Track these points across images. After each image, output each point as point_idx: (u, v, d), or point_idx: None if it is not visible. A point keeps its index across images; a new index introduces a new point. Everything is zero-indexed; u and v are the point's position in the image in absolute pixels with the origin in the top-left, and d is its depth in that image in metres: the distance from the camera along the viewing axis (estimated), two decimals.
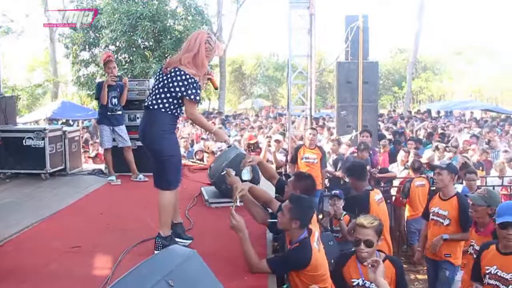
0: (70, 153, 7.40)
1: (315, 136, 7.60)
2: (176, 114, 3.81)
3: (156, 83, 3.83)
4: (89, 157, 9.66)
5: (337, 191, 5.52)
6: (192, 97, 3.69)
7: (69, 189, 6.42)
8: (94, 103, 20.74)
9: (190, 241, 4.17)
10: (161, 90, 3.75)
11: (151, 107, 3.77)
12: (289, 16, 9.06)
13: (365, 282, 3.34)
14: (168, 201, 3.87)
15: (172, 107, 3.75)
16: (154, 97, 3.78)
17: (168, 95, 3.72)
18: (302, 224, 3.45)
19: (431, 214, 5.10)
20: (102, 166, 7.72)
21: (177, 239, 4.04)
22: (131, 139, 6.92)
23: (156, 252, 3.74)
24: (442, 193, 5.06)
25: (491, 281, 3.35)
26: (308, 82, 9.39)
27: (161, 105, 3.73)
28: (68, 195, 5.98)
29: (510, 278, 3.26)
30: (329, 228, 5.43)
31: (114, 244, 4.17)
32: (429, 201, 5.29)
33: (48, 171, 6.86)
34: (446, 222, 4.88)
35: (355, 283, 3.41)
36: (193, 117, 3.87)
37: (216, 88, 4.60)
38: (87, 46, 19.10)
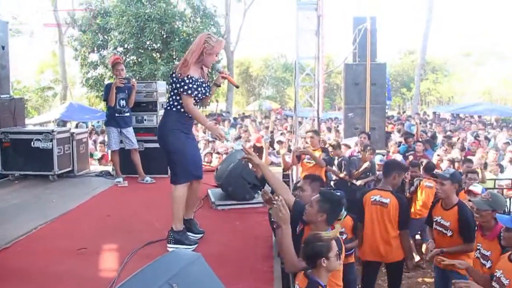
0: (78, 155, 7.44)
1: (313, 138, 7.56)
2: (182, 111, 4.09)
3: (169, 87, 4.25)
4: (94, 158, 9.71)
5: (338, 193, 5.46)
6: (185, 92, 3.99)
7: (77, 190, 6.46)
8: (103, 105, 20.87)
9: (201, 235, 4.38)
10: (171, 92, 4.14)
11: (166, 107, 4.19)
12: (297, 18, 9.03)
13: None
14: (177, 195, 4.12)
15: (178, 103, 4.09)
16: (167, 99, 4.21)
17: (172, 93, 4.12)
18: (328, 218, 3.43)
19: (434, 223, 4.86)
20: (109, 168, 7.75)
21: (188, 233, 4.24)
22: (138, 141, 6.95)
23: (168, 245, 4.05)
24: (444, 202, 4.79)
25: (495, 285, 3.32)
26: (315, 84, 9.36)
27: (169, 104, 4.13)
28: (76, 197, 6.02)
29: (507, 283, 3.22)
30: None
31: (120, 246, 4.19)
32: (432, 208, 5.15)
33: (56, 173, 6.90)
34: (449, 233, 4.62)
35: None
36: (188, 110, 4.09)
37: (237, 86, 5.10)
38: (95, 48, 19.20)
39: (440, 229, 4.75)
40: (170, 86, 4.13)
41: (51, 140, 6.85)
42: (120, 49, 18.57)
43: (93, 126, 17.21)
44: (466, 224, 4.51)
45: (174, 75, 4.05)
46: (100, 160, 9.59)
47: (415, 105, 26.36)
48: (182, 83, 3.98)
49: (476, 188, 5.25)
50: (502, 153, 10.45)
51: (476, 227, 4.55)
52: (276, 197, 3.61)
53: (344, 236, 5.23)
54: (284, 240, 3.40)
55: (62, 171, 7.06)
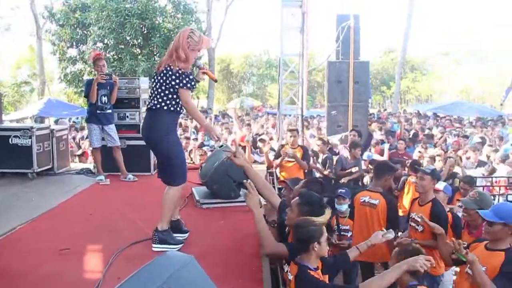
0: (58, 152, 7.26)
1: (295, 137, 7.55)
2: (176, 110, 3.95)
3: (153, 85, 3.99)
4: (75, 155, 9.50)
5: (343, 190, 5.41)
6: (184, 86, 3.85)
7: (57, 189, 6.29)
8: (82, 101, 20.55)
9: (187, 234, 4.29)
10: (158, 89, 3.92)
11: (153, 107, 3.94)
12: (281, 15, 8.99)
13: None
14: (171, 196, 4.03)
15: (173, 102, 3.91)
16: (153, 98, 3.95)
17: (166, 92, 3.90)
18: None
19: (410, 219, 4.89)
20: (90, 165, 7.60)
21: (174, 234, 4.15)
22: (120, 138, 6.82)
23: (153, 245, 3.99)
24: (420, 199, 4.84)
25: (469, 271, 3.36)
26: (300, 81, 9.34)
27: (162, 103, 3.90)
28: (56, 195, 5.86)
29: None
30: (336, 226, 5.34)
31: (104, 246, 4.08)
32: (411, 206, 5.11)
33: (35, 171, 6.72)
34: (420, 228, 4.63)
35: None
36: (188, 106, 3.99)
37: (215, 81, 4.80)
38: (74, 43, 18.90)
39: (413, 224, 4.78)
40: (160, 83, 3.87)
41: (30, 137, 6.67)
42: (99, 44, 18.30)
43: (74, 122, 16.87)
44: (437, 220, 4.46)
45: (170, 69, 3.82)
46: (80, 157, 9.39)
47: (396, 103, 26.64)
48: (182, 78, 3.83)
49: (439, 185, 5.28)
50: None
51: (463, 226, 4.61)
52: (244, 180, 3.59)
53: (350, 234, 5.24)
54: (257, 225, 3.44)
55: (42, 169, 6.88)
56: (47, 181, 6.75)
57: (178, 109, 3.95)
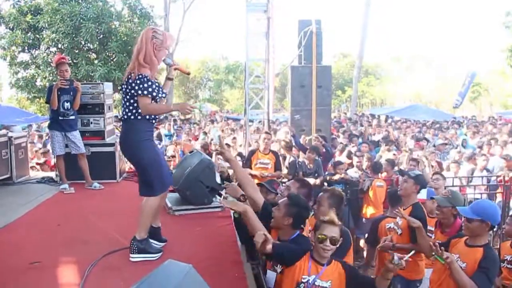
0: (17, 161, 6.94)
1: (269, 140, 7.51)
2: (145, 118, 3.78)
3: (122, 95, 3.82)
4: (37, 163, 9.12)
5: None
6: (140, 92, 3.63)
7: (18, 199, 5.96)
8: (35, 107, 19.81)
9: (164, 243, 4.18)
10: (125, 99, 3.77)
11: (125, 117, 3.77)
12: (246, 20, 8.96)
13: (314, 280, 3.11)
14: (150, 207, 3.88)
15: (139, 110, 3.73)
16: (123, 108, 3.79)
17: (131, 100, 3.73)
18: (294, 222, 3.40)
19: (393, 222, 4.95)
20: (52, 174, 7.31)
21: (152, 240, 4.02)
22: (85, 145, 6.60)
23: (131, 255, 3.84)
24: (403, 203, 4.89)
25: None
26: (266, 86, 9.34)
27: (129, 113, 3.75)
28: (18, 206, 5.57)
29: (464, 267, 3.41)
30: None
31: (77, 258, 3.90)
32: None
33: None
34: (399, 231, 4.71)
35: (304, 280, 3.13)
36: (148, 111, 3.72)
37: (188, 74, 4.77)
38: (26, 48, 18.19)
39: (394, 227, 4.85)
40: (126, 93, 3.72)
41: None
42: (53, 49, 17.70)
43: (38, 131, 16.16)
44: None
45: (131, 76, 3.67)
46: (41, 165, 9.01)
47: (354, 107, 27.06)
48: (142, 84, 3.61)
49: (420, 195, 5.40)
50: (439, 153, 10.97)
51: (436, 225, 4.72)
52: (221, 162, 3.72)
53: None
54: (237, 174, 3.94)
55: None
56: (7, 191, 6.41)
57: (147, 117, 3.77)
